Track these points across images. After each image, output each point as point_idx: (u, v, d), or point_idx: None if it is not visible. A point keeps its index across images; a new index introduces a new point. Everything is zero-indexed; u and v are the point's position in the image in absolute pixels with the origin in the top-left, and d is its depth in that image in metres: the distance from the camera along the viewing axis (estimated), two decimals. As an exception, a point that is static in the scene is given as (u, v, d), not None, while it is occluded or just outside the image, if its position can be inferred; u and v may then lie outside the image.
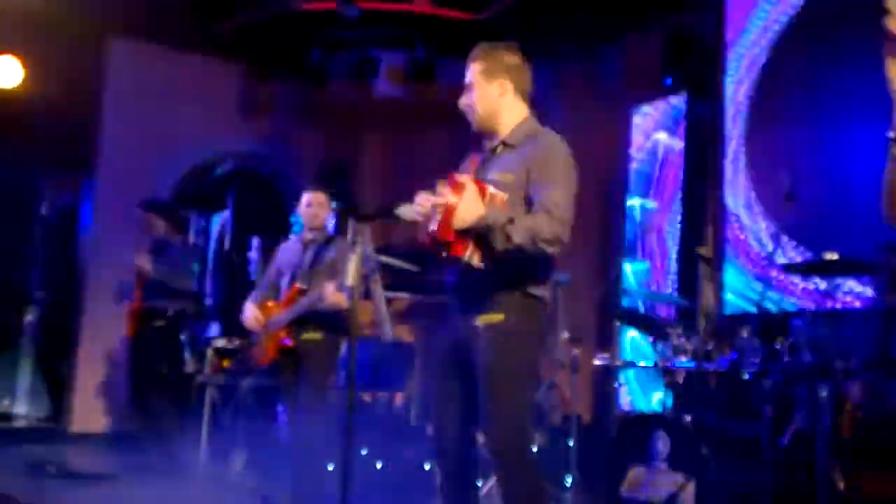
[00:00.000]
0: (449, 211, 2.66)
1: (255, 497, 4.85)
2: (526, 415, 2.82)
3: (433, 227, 2.72)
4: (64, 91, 7.61)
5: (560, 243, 2.71)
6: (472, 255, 2.71)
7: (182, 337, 6.70)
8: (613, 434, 4.53)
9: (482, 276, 2.76)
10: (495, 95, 2.94)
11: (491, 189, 2.73)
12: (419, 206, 2.79)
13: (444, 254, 2.74)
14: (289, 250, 4.96)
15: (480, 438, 2.92)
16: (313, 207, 4.81)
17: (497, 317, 2.77)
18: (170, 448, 5.96)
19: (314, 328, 4.66)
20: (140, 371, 6.24)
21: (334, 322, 4.66)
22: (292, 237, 5.20)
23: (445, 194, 2.69)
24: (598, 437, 5.48)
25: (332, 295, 4.49)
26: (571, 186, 2.80)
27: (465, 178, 2.72)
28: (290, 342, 4.67)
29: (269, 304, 4.82)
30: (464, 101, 3.00)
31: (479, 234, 2.67)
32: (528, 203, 2.79)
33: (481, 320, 2.78)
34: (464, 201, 2.64)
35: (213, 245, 10.68)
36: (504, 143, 2.94)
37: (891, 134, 1.96)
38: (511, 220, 2.64)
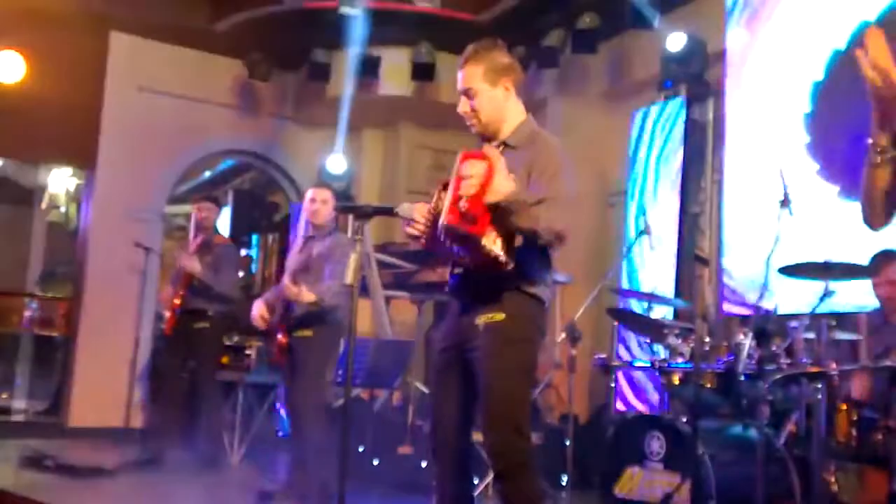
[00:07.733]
0: (485, 182, 2.53)
1: (251, 492, 4.86)
2: (524, 413, 2.81)
3: (464, 202, 2.53)
4: (65, 86, 7.62)
5: (564, 243, 2.71)
6: (494, 241, 2.60)
7: (225, 341, 6.54)
8: (610, 434, 4.53)
9: (483, 276, 2.74)
10: (501, 98, 2.88)
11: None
12: (419, 212, 2.76)
13: (465, 234, 2.57)
14: (295, 247, 4.98)
15: (477, 437, 2.94)
16: (316, 204, 4.80)
17: (498, 316, 2.76)
18: (175, 443, 5.96)
19: (305, 325, 4.67)
20: (169, 369, 6.08)
21: (324, 318, 4.66)
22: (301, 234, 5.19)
23: (477, 166, 2.54)
24: (595, 437, 5.49)
25: (289, 290, 4.53)
26: (572, 194, 2.78)
27: (491, 150, 2.60)
28: (285, 339, 4.69)
29: (275, 302, 4.83)
30: (464, 108, 2.89)
31: (502, 214, 2.57)
32: None
33: (482, 319, 2.77)
34: (498, 173, 2.54)
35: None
36: (505, 144, 2.89)
37: (869, 140, 1.90)
38: (539, 201, 2.60)
